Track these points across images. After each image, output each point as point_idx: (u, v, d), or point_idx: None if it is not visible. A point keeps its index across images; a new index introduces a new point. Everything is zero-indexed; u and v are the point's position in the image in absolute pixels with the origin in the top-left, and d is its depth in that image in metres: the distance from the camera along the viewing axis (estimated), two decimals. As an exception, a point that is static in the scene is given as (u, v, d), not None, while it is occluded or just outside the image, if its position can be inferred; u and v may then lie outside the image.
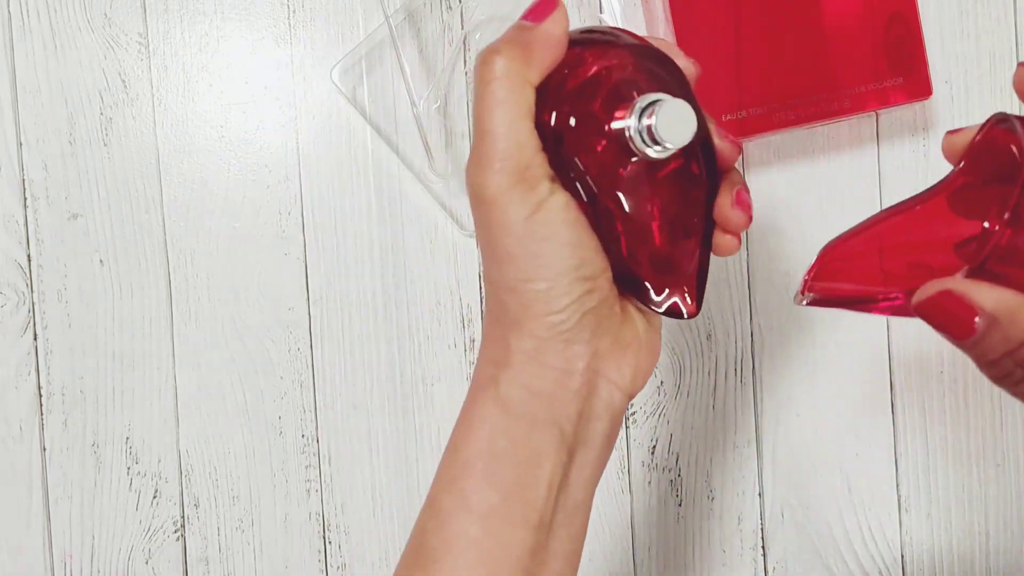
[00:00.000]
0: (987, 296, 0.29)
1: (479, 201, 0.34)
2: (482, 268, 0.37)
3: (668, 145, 0.34)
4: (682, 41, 0.54)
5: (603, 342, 0.36)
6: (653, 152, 0.34)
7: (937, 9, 0.59)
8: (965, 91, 0.59)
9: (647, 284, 0.37)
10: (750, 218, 0.37)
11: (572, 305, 0.34)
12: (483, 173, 0.34)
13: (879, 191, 0.59)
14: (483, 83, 0.34)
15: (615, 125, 0.35)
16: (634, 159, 0.35)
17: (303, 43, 0.59)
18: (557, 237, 0.34)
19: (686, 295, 0.37)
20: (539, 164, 0.34)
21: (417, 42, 0.58)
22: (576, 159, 0.35)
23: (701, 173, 0.37)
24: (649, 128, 0.34)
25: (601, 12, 0.58)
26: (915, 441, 0.60)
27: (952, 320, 0.30)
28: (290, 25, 0.59)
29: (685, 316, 0.37)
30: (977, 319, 0.29)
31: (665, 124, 0.34)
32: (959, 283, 0.30)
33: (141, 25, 0.58)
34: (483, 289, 0.37)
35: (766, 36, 0.54)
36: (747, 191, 0.37)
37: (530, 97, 0.34)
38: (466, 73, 0.59)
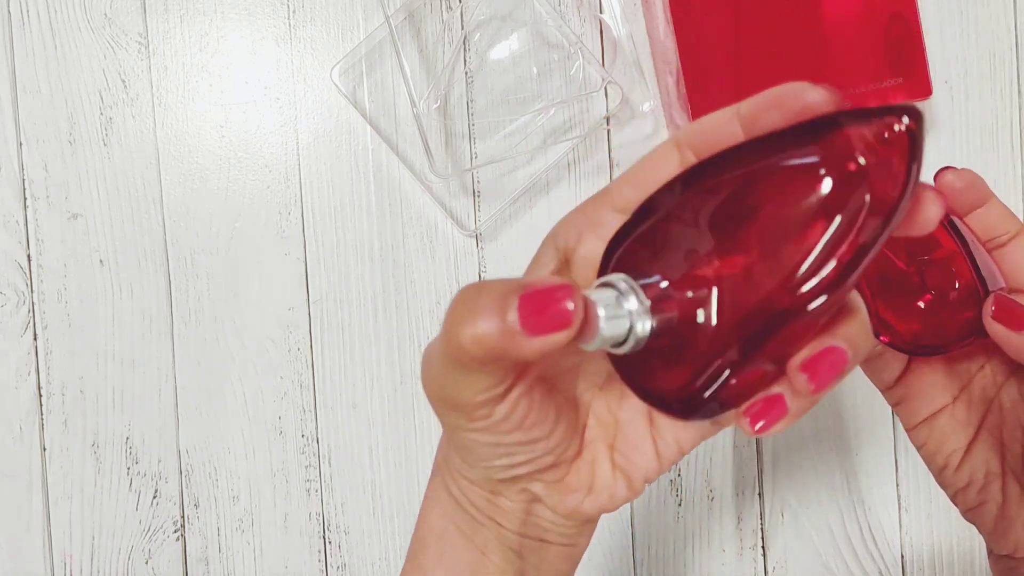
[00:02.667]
0: None
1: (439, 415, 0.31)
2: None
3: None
4: (682, 41, 0.54)
5: (536, 487, 0.32)
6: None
7: (937, 9, 0.59)
8: (965, 91, 0.59)
9: None
10: None
11: (499, 472, 0.32)
12: (436, 403, 0.30)
13: (879, 191, 0.59)
14: (441, 344, 0.28)
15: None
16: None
17: (303, 43, 0.59)
18: (493, 439, 0.30)
19: None
20: (485, 406, 0.29)
21: (417, 42, 0.58)
22: None
23: None
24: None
25: (601, 12, 0.58)
26: (915, 441, 0.60)
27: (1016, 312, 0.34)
28: (290, 25, 0.59)
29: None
30: None
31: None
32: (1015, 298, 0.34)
33: (141, 25, 0.58)
34: None
35: (766, 36, 0.54)
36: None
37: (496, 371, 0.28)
38: (466, 73, 0.59)
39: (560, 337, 0.25)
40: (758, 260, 0.26)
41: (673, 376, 0.28)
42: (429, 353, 0.29)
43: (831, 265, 0.25)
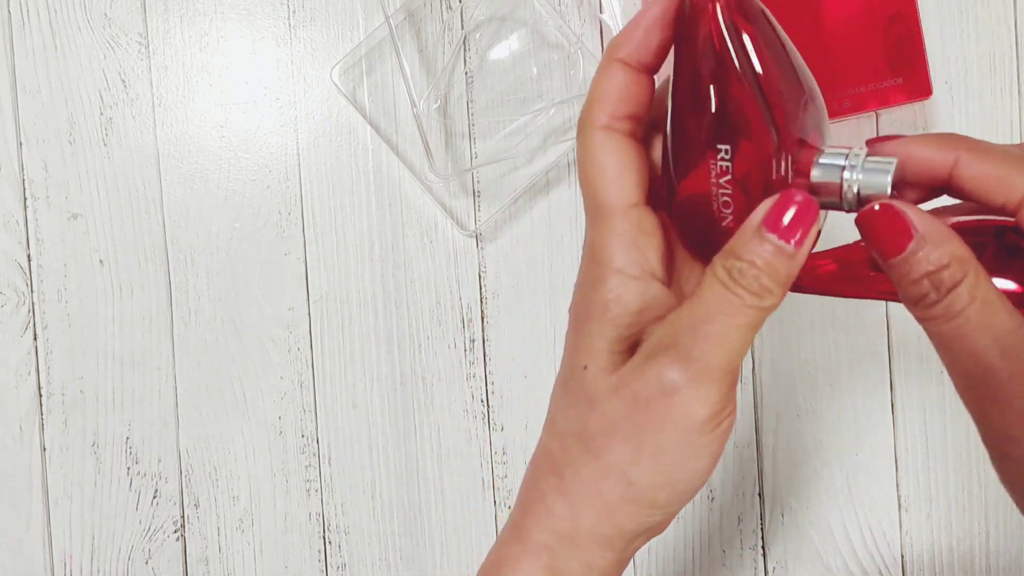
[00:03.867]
0: (919, 219, 0.30)
1: (667, 393, 0.31)
2: (557, 408, 0.34)
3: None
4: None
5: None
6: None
7: (937, 9, 0.59)
8: (965, 91, 0.59)
9: None
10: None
11: (672, 508, 0.33)
12: (693, 386, 0.32)
13: (879, 191, 0.59)
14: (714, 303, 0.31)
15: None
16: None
17: (303, 43, 0.59)
18: (717, 447, 0.32)
19: None
20: (733, 384, 0.32)
21: (417, 42, 0.58)
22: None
23: None
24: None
25: (601, 12, 0.58)
26: (915, 441, 0.60)
27: (888, 234, 0.31)
28: (290, 25, 0.59)
29: None
30: (912, 240, 0.30)
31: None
32: (900, 202, 0.31)
33: (141, 25, 0.58)
34: (549, 436, 0.34)
35: (766, 36, 0.54)
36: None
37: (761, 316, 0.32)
38: (466, 73, 0.59)
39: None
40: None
41: None
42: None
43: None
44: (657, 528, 0.34)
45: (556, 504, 0.33)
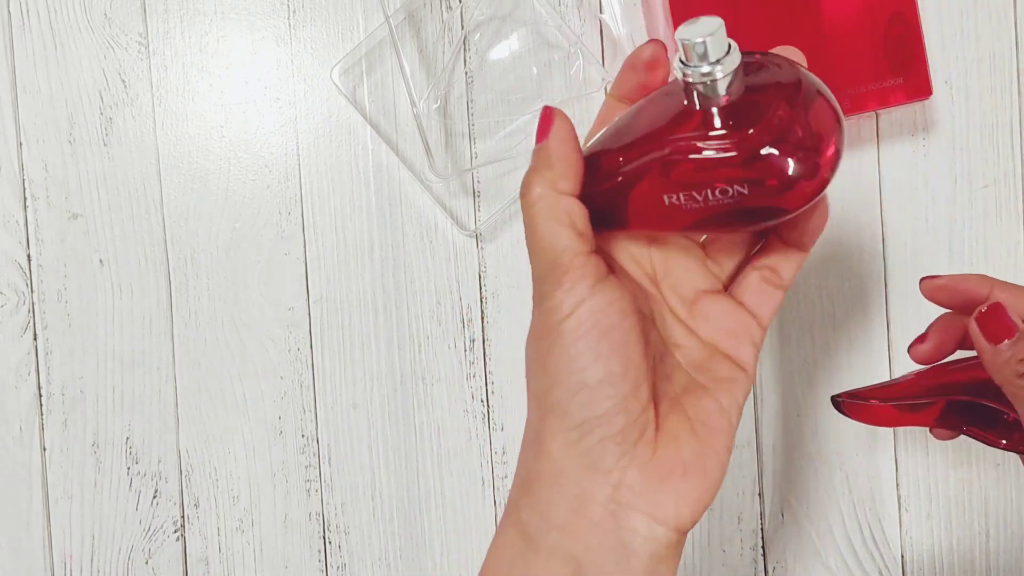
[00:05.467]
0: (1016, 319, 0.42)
1: (535, 309, 0.34)
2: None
3: (711, 56, 0.32)
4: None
5: (630, 473, 0.33)
6: (704, 70, 0.32)
7: (937, 9, 0.59)
8: (965, 91, 0.59)
9: None
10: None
11: (590, 422, 0.33)
12: (537, 283, 0.34)
13: (879, 191, 0.59)
14: (526, 209, 0.35)
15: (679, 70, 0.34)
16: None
17: (303, 43, 0.59)
18: (585, 341, 0.33)
19: None
20: (579, 266, 0.33)
21: (417, 42, 0.58)
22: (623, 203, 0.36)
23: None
24: (685, 47, 0.32)
25: (601, 12, 0.58)
26: (915, 441, 0.60)
27: (1003, 323, 0.41)
28: (290, 25, 0.59)
29: None
30: (1017, 331, 0.41)
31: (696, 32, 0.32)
32: (1000, 305, 0.42)
33: (141, 25, 0.58)
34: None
35: (766, 36, 0.54)
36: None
37: (569, 205, 0.34)
38: (466, 73, 0.59)
39: (558, 126, 0.35)
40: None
41: None
42: (533, 213, 0.35)
43: None
44: (593, 456, 0.33)
45: (523, 451, 0.36)
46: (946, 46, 0.59)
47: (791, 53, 0.36)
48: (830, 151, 0.33)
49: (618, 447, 0.33)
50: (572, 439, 0.33)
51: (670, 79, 0.37)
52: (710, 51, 0.32)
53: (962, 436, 0.49)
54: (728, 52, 0.32)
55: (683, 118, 0.34)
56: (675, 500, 0.33)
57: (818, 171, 0.33)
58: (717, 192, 0.33)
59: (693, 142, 0.33)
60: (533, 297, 0.35)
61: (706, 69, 0.32)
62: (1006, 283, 0.44)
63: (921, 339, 0.46)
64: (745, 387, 0.37)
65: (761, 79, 0.34)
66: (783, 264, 0.38)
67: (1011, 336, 0.41)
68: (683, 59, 0.33)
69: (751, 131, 0.32)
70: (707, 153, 0.33)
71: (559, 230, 0.34)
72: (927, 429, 0.50)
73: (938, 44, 0.59)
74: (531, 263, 0.35)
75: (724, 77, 0.32)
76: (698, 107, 0.33)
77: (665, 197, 0.34)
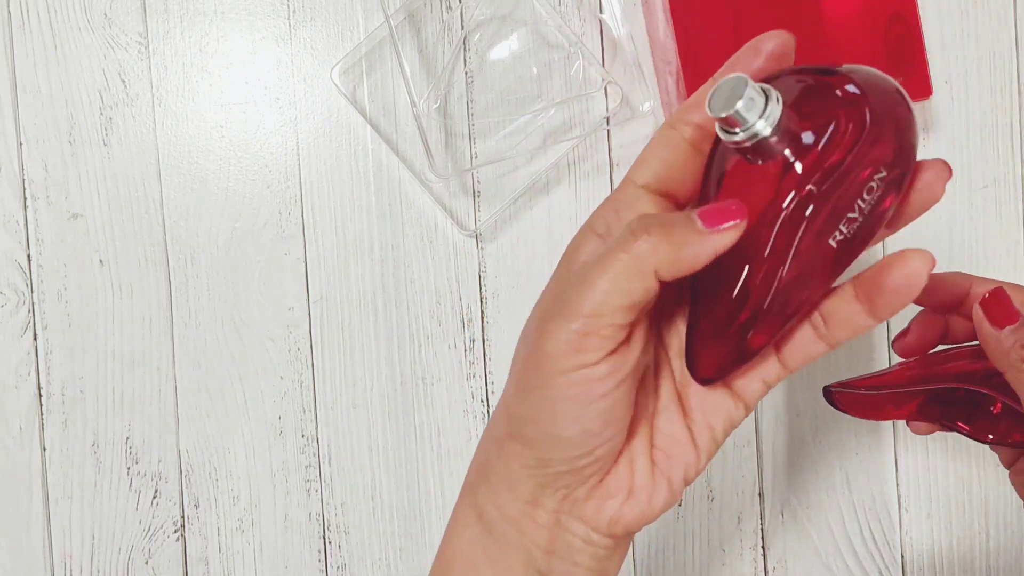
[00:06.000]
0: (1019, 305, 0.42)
1: (541, 322, 0.32)
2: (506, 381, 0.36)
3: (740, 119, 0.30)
4: (682, 41, 0.54)
5: (579, 491, 0.34)
6: (738, 136, 0.31)
7: (937, 9, 0.59)
8: (965, 91, 0.59)
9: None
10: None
11: (553, 461, 0.33)
12: (555, 305, 0.32)
13: (879, 191, 0.59)
14: (622, 248, 0.31)
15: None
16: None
17: (303, 43, 0.59)
18: (571, 402, 0.31)
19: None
20: (607, 337, 0.31)
21: (417, 42, 0.58)
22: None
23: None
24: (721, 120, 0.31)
25: (601, 12, 0.58)
26: (915, 441, 0.60)
27: (1007, 308, 0.41)
28: (290, 25, 0.59)
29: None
30: (1021, 316, 0.41)
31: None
32: (1002, 289, 0.42)
33: (141, 25, 0.58)
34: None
35: (766, 36, 0.54)
36: None
37: (649, 287, 0.31)
38: (466, 73, 0.59)
39: (733, 232, 0.31)
40: None
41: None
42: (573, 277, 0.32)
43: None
44: (548, 479, 0.33)
45: (484, 443, 0.36)
46: (946, 46, 0.59)
47: (777, 36, 0.33)
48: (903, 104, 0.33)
49: (573, 477, 0.33)
50: (530, 464, 0.33)
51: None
52: (748, 113, 0.30)
53: (961, 437, 0.49)
54: (766, 99, 0.30)
55: (778, 178, 0.31)
56: (614, 516, 0.34)
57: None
58: (866, 195, 0.31)
59: (808, 185, 0.31)
60: (545, 306, 0.33)
61: (759, 126, 0.30)
62: (984, 278, 0.44)
63: (904, 333, 0.46)
64: (735, 417, 0.35)
65: (788, 90, 0.32)
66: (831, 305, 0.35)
67: (1014, 322, 0.40)
68: (727, 130, 0.31)
69: (828, 123, 0.31)
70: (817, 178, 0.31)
71: (622, 294, 0.31)
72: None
73: (938, 44, 0.59)
74: (559, 279, 0.33)
75: (773, 121, 0.30)
76: (775, 157, 0.31)
77: (831, 240, 0.31)
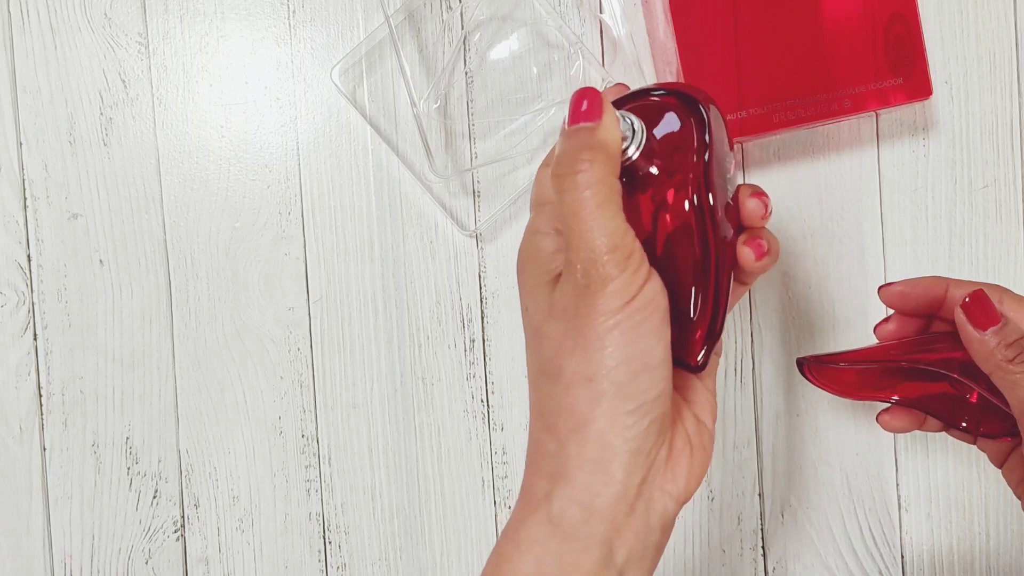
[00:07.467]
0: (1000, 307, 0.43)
1: (580, 296, 0.34)
2: (529, 370, 0.37)
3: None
4: (682, 41, 0.54)
5: (661, 452, 0.35)
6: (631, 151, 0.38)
7: (937, 9, 0.59)
8: (965, 91, 0.59)
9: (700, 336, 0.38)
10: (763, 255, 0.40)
11: (646, 405, 0.34)
12: (587, 267, 0.34)
13: (879, 191, 0.59)
14: (572, 191, 0.34)
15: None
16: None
17: (303, 43, 0.59)
18: (650, 322, 0.34)
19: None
20: (640, 248, 0.34)
21: (417, 42, 0.58)
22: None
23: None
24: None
25: (601, 12, 0.58)
26: (915, 441, 0.60)
27: (988, 311, 0.42)
28: (290, 25, 0.59)
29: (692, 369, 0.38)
30: (1003, 318, 0.42)
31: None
32: (982, 292, 0.43)
33: (141, 25, 0.58)
34: (530, 392, 0.37)
35: (766, 36, 0.54)
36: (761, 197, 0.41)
37: (618, 189, 0.35)
38: (466, 73, 0.59)
39: (609, 116, 0.35)
40: None
41: None
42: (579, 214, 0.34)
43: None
44: (641, 439, 0.34)
45: (545, 442, 0.35)
46: (946, 46, 0.59)
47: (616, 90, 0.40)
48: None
49: (659, 429, 0.35)
50: (628, 423, 0.34)
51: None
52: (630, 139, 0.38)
53: (958, 438, 0.49)
54: (632, 129, 0.37)
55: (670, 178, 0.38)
56: (686, 475, 0.36)
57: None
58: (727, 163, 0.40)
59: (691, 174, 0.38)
60: (575, 285, 0.34)
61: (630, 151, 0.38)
62: (960, 280, 0.45)
63: (885, 321, 0.48)
64: (716, 362, 0.40)
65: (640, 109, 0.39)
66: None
67: (996, 323, 0.42)
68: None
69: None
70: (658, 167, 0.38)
71: (620, 214, 0.34)
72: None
73: (938, 44, 0.59)
74: (575, 248, 0.34)
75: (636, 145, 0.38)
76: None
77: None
